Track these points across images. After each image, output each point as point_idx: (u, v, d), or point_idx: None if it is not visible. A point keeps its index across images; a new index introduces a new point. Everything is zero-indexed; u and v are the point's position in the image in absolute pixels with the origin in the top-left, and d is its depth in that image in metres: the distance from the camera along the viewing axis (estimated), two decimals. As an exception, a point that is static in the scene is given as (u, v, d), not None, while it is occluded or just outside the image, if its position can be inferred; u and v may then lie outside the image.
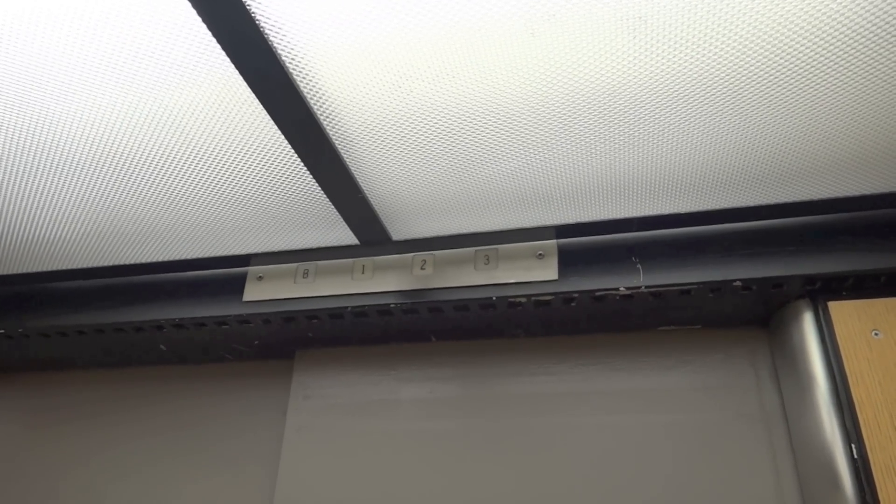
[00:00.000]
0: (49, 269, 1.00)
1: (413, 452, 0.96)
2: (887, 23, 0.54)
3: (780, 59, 0.58)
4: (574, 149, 0.71)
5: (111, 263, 0.97)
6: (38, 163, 0.76)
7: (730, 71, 0.60)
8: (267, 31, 0.57)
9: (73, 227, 0.88)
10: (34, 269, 1.00)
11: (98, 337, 1.07)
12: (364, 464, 0.97)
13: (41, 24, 0.58)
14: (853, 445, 0.73)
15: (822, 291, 0.81)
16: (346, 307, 0.92)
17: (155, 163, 0.75)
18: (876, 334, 0.76)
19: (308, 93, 0.64)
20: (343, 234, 0.87)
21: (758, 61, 0.58)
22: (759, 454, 0.85)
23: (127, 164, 0.76)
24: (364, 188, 0.77)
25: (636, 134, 0.68)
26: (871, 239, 0.78)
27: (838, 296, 0.80)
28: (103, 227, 0.88)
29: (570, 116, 0.66)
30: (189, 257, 0.95)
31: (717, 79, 0.61)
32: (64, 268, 0.99)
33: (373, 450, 0.98)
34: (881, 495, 0.69)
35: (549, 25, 0.56)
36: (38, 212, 0.85)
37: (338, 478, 0.97)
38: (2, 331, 1.07)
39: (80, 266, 0.98)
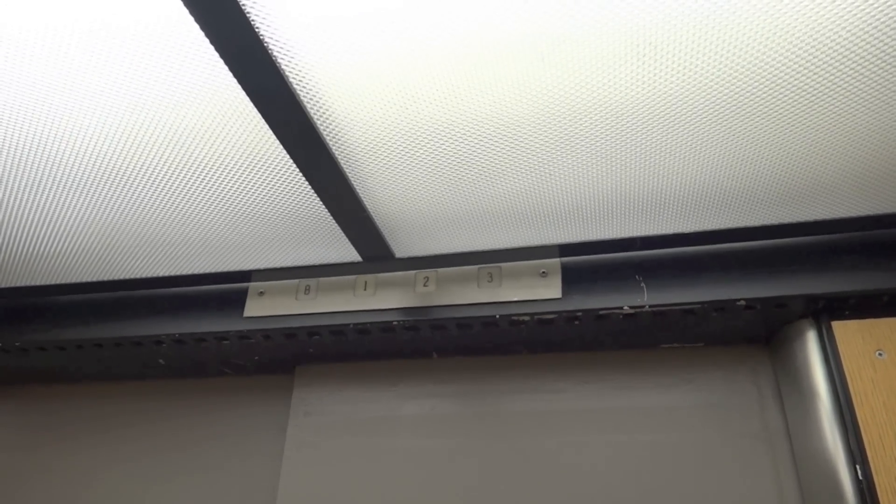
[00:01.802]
0: (49, 282, 0.99)
1: (414, 470, 0.96)
2: (888, 45, 0.54)
3: (785, 82, 0.58)
4: (578, 168, 0.71)
5: (111, 278, 0.97)
6: (42, 178, 0.75)
7: (735, 94, 0.60)
8: (275, 53, 0.57)
9: (74, 242, 0.88)
10: (34, 283, 0.99)
11: (97, 351, 1.06)
12: (365, 481, 0.97)
13: (49, 42, 0.57)
14: (857, 466, 0.72)
15: (825, 311, 0.81)
16: (348, 324, 0.92)
17: (159, 179, 0.75)
18: (880, 354, 0.76)
19: (314, 113, 0.64)
20: (345, 251, 0.87)
21: (762, 84, 0.59)
22: (762, 474, 0.85)
23: (131, 180, 0.75)
24: (367, 206, 0.77)
25: (640, 154, 0.68)
26: (875, 259, 0.78)
27: (841, 315, 0.80)
28: (104, 242, 0.88)
29: (574, 137, 0.66)
30: (190, 272, 0.94)
31: (722, 102, 0.61)
32: (64, 282, 0.98)
33: (374, 467, 0.97)
34: (887, 518, 0.69)
35: (558, 49, 0.56)
36: (40, 226, 0.85)
37: (338, 495, 0.97)
38: (-1, 345, 1.07)
39: (80, 280, 0.98)
